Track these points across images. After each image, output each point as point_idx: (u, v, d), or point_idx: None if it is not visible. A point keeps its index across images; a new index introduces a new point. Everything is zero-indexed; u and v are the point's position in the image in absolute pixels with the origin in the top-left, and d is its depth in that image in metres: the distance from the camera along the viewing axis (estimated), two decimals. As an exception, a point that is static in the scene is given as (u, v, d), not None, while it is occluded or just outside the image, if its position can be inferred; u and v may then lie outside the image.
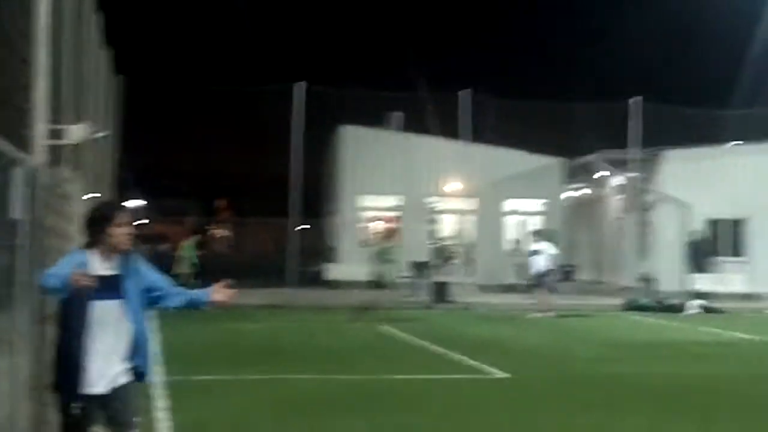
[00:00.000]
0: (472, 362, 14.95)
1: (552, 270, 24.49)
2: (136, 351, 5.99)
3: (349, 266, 31.16)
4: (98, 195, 25.04)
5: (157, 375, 12.84)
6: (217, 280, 6.38)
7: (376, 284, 22.95)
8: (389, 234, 24.33)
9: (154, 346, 16.07)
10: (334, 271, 31.30)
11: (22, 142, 8.13)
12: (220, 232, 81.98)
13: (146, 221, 67.78)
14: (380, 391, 12.24)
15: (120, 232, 5.88)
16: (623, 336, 20.18)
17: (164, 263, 31.70)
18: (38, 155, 8.24)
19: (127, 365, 5.97)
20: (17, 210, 7.04)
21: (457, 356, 15.67)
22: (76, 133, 8.43)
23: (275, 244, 39.89)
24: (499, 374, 13.77)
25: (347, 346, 17.45)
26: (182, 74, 46.50)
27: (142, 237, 57.08)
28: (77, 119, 13.47)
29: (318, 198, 37.53)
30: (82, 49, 14.30)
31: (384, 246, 23.69)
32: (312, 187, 37.43)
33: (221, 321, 21.49)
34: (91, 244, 5.91)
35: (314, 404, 11.18)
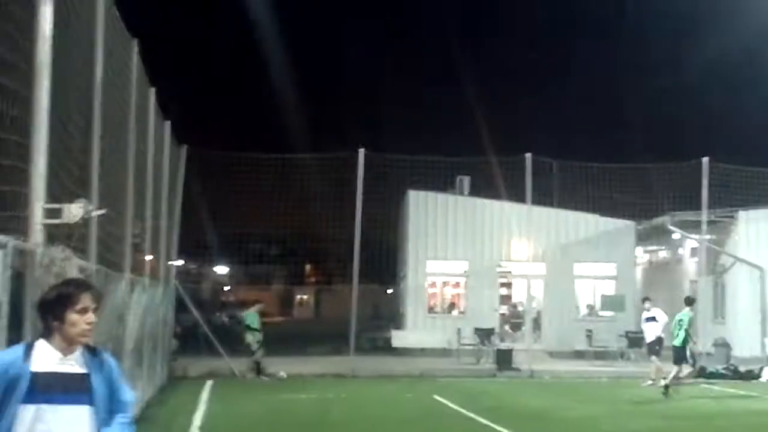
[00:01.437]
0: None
1: (661, 338, 23.67)
2: None
3: (416, 333, 30.96)
4: (175, 263, 25.52)
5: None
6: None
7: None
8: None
9: (198, 417, 16.16)
10: (402, 339, 31.04)
11: (19, 222, 8.27)
12: (302, 298, 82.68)
13: (228, 288, 68.97)
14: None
15: (81, 320, 4.69)
16: (684, 406, 19.43)
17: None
18: (34, 235, 8.38)
19: None
20: None
21: (500, 429, 15.28)
22: (73, 211, 8.45)
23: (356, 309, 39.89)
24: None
25: (394, 417, 17.20)
26: (243, 143, 47.24)
27: (223, 303, 58.12)
28: (118, 194, 13.73)
29: (387, 264, 37.45)
30: (128, 123, 14.64)
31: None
32: (385, 253, 37.40)
33: (275, 391, 21.48)
34: (45, 334, 4.72)
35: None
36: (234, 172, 32.81)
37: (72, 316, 4.68)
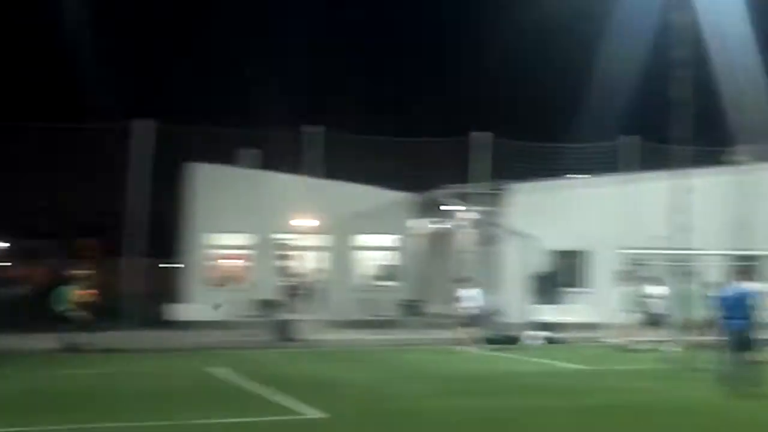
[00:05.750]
0: (288, 403, 14.75)
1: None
2: None
3: (195, 306, 30.69)
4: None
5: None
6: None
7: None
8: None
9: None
10: (181, 312, 30.63)
11: None
12: (82, 273, 79.75)
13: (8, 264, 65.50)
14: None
15: None
16: (453, 370, 20.41)
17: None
18: None
19: None
20: None
21: (275, 397, 15.46)
22: None
23: (135, 285, 38.94)
24: (314, 414, 13.61)
25: (169, 389, 16.93)
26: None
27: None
28: None
29: (168, 237, 36.88)
30: None
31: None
32: (166, 226, 36.75)
33: (53, 366, 20.84)
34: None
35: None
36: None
37: None
